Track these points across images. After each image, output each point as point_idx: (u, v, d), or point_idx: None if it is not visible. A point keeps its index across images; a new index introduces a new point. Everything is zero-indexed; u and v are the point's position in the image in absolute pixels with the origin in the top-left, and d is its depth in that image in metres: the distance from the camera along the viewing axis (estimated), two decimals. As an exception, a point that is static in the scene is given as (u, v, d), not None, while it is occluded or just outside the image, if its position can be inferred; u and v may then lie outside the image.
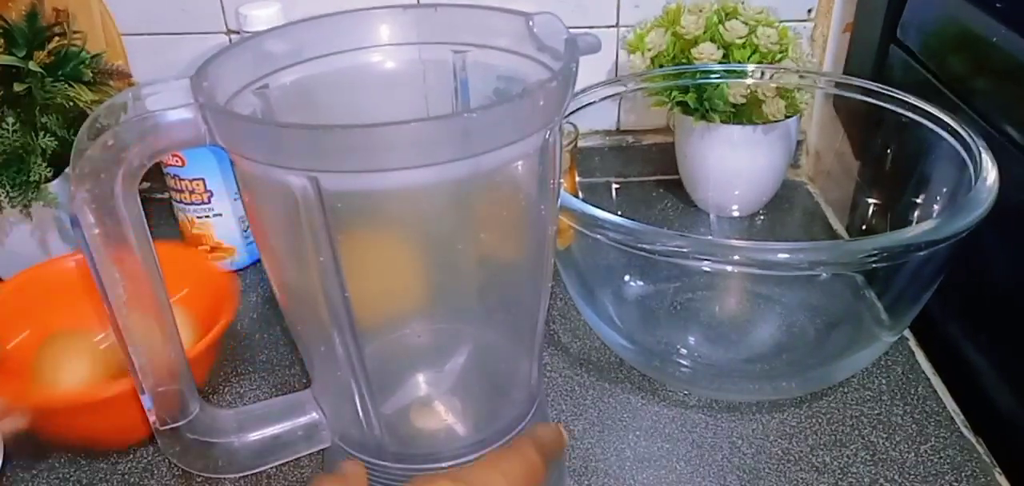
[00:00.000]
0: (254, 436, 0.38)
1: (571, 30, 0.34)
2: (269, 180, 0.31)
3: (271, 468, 0.43)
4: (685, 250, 0.40)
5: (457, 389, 0.40)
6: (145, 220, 0.32)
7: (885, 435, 0.48)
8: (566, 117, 0.56)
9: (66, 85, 0.54)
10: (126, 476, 0.47)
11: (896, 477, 0.45)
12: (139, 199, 0.32)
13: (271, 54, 0.36)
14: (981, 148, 0.46)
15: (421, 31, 0.39)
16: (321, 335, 0.35)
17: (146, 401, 0.36)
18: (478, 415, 0.40)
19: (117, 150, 0.30)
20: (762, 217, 0.71)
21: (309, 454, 0.41)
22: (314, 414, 0.39)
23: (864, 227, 0.62)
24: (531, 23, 0.35)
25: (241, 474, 0.43)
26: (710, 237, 0.64)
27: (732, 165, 0.67)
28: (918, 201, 0.54)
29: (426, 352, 0.41)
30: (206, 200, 0.61)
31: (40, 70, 0.53)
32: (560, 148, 0.36)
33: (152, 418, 0.36)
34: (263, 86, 0.36)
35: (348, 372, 0.35)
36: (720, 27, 0.64)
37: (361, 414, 0.37)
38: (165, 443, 0.37)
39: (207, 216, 0.62)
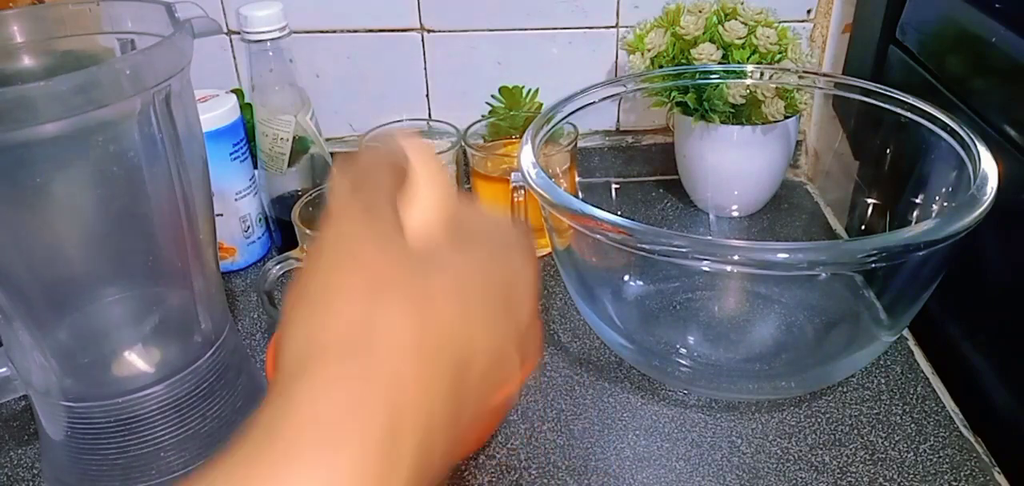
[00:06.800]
0: None
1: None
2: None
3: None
4: (684, 250, 0.40)
5: (143, 340, 0.44)
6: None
7: (884, 435, 0.48)
8: (565, 118, 0.56)
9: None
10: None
11: (895, 476, 0.46)
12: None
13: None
14: (980, 148, 0.46)
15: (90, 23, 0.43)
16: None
17: None
18: (165, 357, 0.44)
19: None
20: (761, 217, 0.71)
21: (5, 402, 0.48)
22: (3, 369, 0.42)
23: (863, 227, 0.62)
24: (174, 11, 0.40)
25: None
26: (709, 237, 0.64)
27: (731, 165, 0.68)
28: (917, 201, 0.54)
29: (113, 314, 0.44)
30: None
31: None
32: (187, 111, 0.40)
33: None
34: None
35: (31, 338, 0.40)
36: (719, 27, 0.64)
37: (52, 372, 0.41)
38: None
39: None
